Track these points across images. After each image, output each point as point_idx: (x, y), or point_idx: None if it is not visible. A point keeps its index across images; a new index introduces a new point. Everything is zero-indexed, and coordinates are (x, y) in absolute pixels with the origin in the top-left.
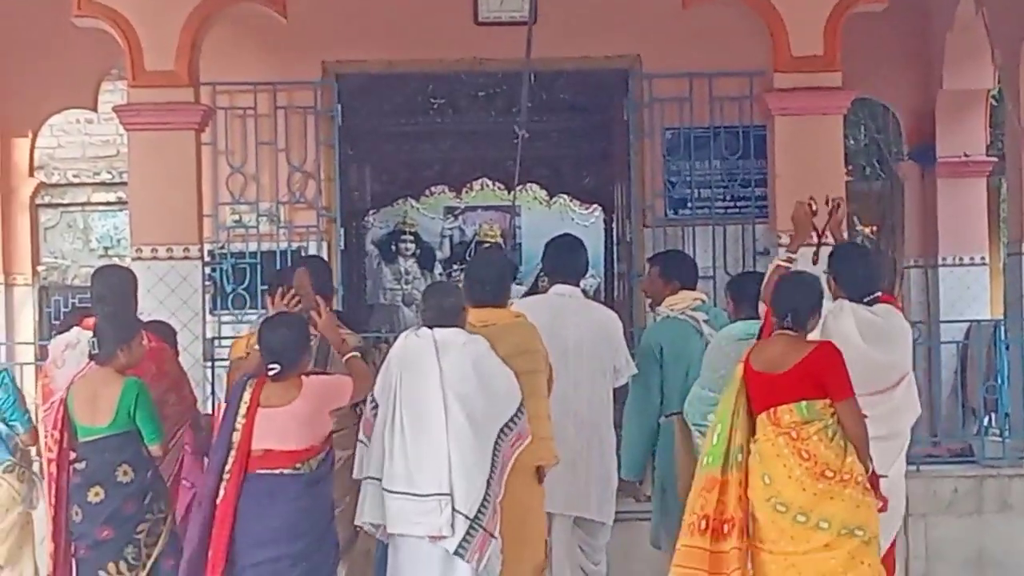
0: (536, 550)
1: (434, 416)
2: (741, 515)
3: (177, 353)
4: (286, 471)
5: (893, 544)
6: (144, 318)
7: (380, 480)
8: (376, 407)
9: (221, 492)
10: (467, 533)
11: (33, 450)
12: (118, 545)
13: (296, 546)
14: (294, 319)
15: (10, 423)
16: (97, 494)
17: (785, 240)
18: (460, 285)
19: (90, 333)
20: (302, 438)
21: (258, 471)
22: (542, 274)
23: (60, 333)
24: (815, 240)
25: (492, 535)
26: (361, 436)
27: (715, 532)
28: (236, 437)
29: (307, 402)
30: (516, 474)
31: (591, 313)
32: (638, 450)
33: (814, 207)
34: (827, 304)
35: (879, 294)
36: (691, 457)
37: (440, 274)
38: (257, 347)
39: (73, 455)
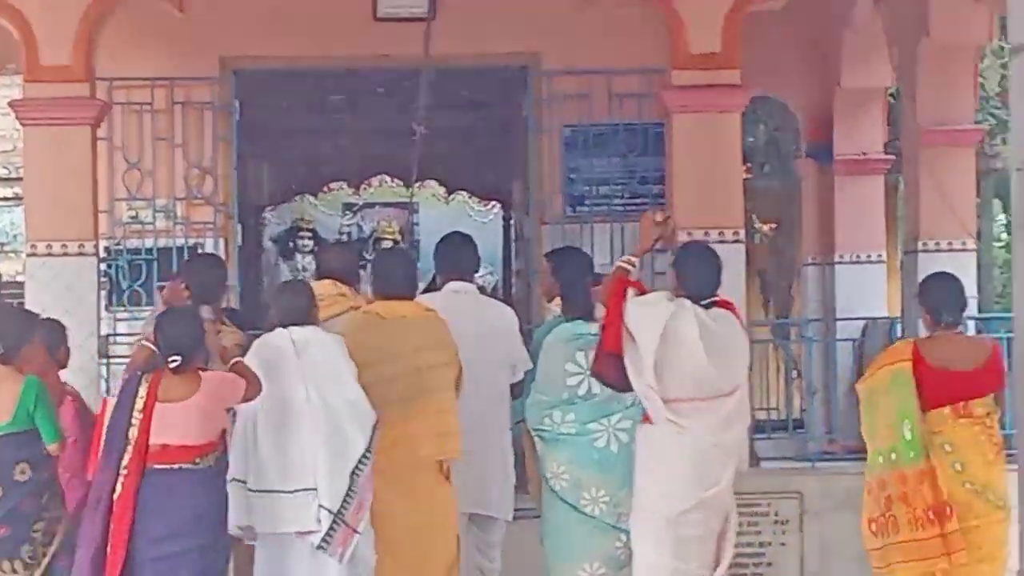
0: (447, 546)
1: (297, 413)
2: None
3: (68, 351)
4: (185, 466)
5: None
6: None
7: (244, 482)
8: (234, 412)
9: (119, 488)
10: (330, 527)
11: None
12: (14, 543)
13: (196, 540)
14: (189, 312)
15: None
16: None
17: (683, 237)
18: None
19: None
20: (201, 433)
21: (156, 466)
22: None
23: None
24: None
25: (355, 530)
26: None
27: (940, 517)
28: (133, 432)
29: (206, 397)
30: (421, 470)
31: (486, 309)
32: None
33: (659, 218)
34: (665, 302)
35: (717, 298)
36: (535, 459)
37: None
38: (145, 343)
39: None
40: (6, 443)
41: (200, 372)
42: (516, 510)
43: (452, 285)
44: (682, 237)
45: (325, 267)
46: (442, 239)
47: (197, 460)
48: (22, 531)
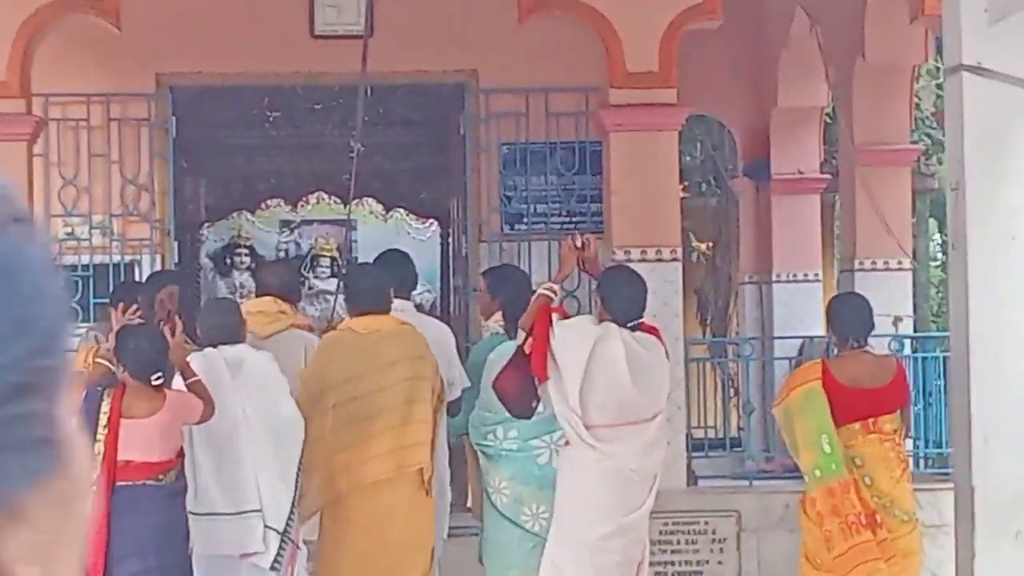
0: (423, 558)
1: (236, 434)
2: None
3: None
4: (149, 482)
5: None
6: None
7: None
8: None
9: None
10: (280, 547)
11: None
12: None
13: (159, 559)
14: (154, 330)
15: None
16: None
17: (621, 255)
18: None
19: None
20: (164, 449)
21: (119, 483)
22: None
23: None
24: (578, 273)
25: (298, 546)
26: None
27: (871, 525)
28: (98, 447)
29: (170, 413)
30: (403, 482)
31: (423, 328)
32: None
33: (579, 243)
34: (591, 326)
35: (642, 321)
36: (478, 475)
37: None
38: (101, 360)
39: None
40: None
41: (163, 389)
42: (453, 528)
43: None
44: (619, 256)
45: (265, 284)
46: (379, 256)
47: (160, 476)
48: None
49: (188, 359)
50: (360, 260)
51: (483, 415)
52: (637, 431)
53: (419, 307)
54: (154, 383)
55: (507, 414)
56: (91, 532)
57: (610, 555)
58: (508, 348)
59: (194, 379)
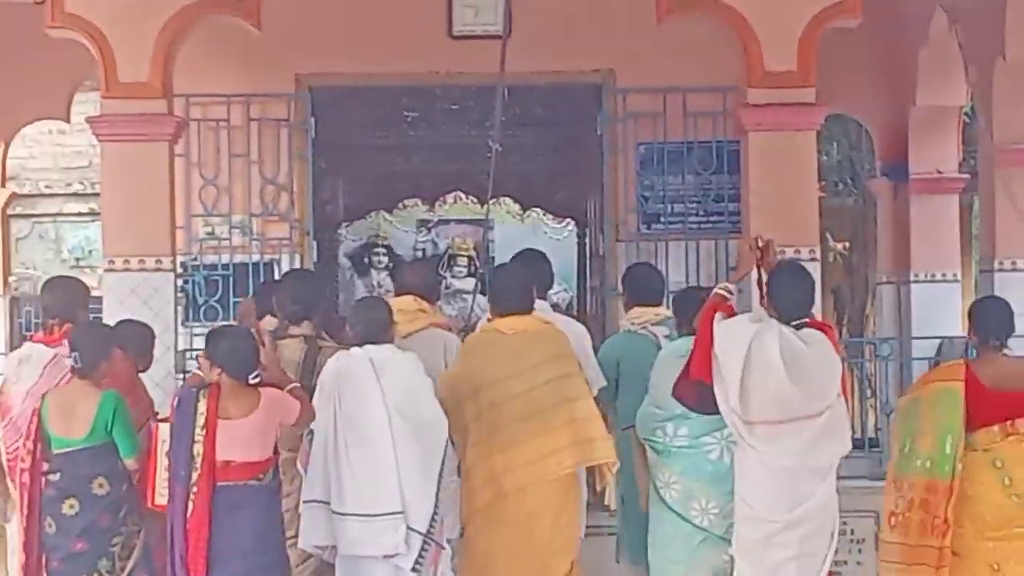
0: (568, 559)
1: (379, 435)
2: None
3: (152, 358)
4: (250, 482)
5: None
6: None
7: (325, 503)
8: (312, 434)
9: (190, 506)
10: (422, 549)
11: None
12: (92, 558)
13: (266, 557)
14: (243, 329)
15: None
16: (72, 506)
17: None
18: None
19: (41, 347)
20: (263, 449)
21: (221, 483)
22: None
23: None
24: (756, 276)
25: (442, 546)
26: (298, 467)
27: (942, 533)
28: (198, 449)
29: (266, 413)
30: (554, 483)
31: (559, 326)
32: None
33: (759, 243)
34: (749, 324)
35: (807, 319)
36: (646, 470)
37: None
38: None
39: (46, 467)
40: (84, 457)
41: (259, 388)
42: (589, 526)
43: None
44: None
45: (405, 283)
46: (515, 256)
47: (260, 476)
48: (100, 545)
49: (335, 357)
50: (497, 260)
51: (652, 411)
52: (797, 428)
53: (555, 306)
54: (251, 382)
55: (676, 412)
56: (193, 533)
57: (783, 550)
58: (676, 346)
59: (292, 385)
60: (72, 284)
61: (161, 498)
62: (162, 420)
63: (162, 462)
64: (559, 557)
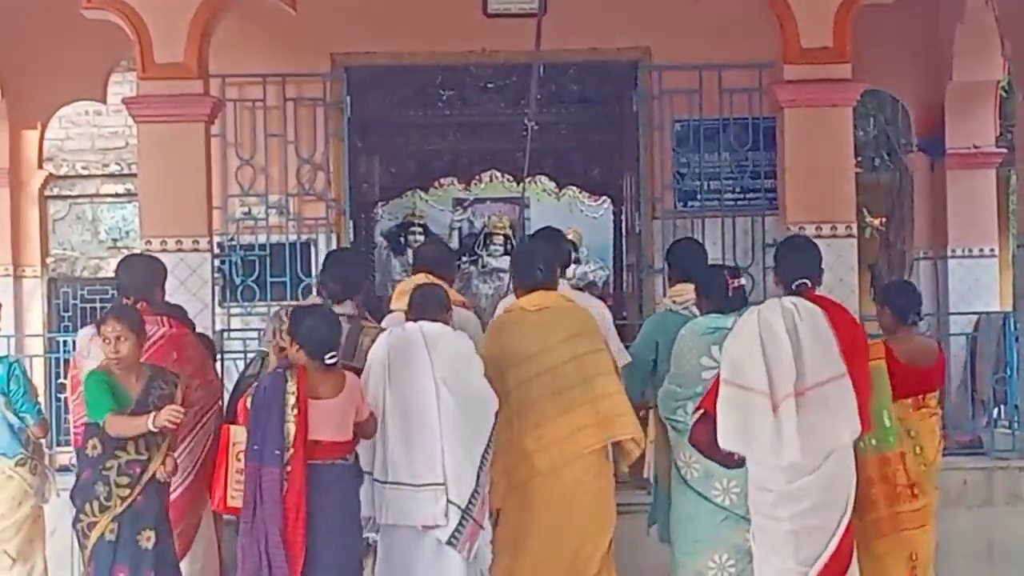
0: (604, 538)
1: (427, 407)
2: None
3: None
4: (338, 461)
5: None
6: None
7: (368, 473)
8: None
9: (284, 484)
10: (459, 523)
11: (44, 442)
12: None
13: (352, 536)
14: (326, 309)
15: (21, 415)
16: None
17: (795, 232)
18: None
19: None
20: (348, 429)
21: (312, 462)
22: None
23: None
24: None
25: (481, 526)
26: None
27: (915, 496)
28: (289, 428)
29: (351, 394)
30: (584, 463)
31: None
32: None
33: None
34: (747, 315)
35: (808, 285)
36: (667, 448)
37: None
38: (287, 338)
39: None
40: None
41: (340, 370)
42: (627, 504)
43: None
44: (793, 231)
45: (421, 260)
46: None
47: (347, 456)
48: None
49: (388, 331)
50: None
51: (673, 390)
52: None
53: (591, 284)
54: (328, 362)
55: (697, 391)
56: (291, 511)
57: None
58: (699, 324)
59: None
60: (149, 262)
61: (234, 501)
62: (230, 422)
63: (234, 464)
64: (596, 539)
